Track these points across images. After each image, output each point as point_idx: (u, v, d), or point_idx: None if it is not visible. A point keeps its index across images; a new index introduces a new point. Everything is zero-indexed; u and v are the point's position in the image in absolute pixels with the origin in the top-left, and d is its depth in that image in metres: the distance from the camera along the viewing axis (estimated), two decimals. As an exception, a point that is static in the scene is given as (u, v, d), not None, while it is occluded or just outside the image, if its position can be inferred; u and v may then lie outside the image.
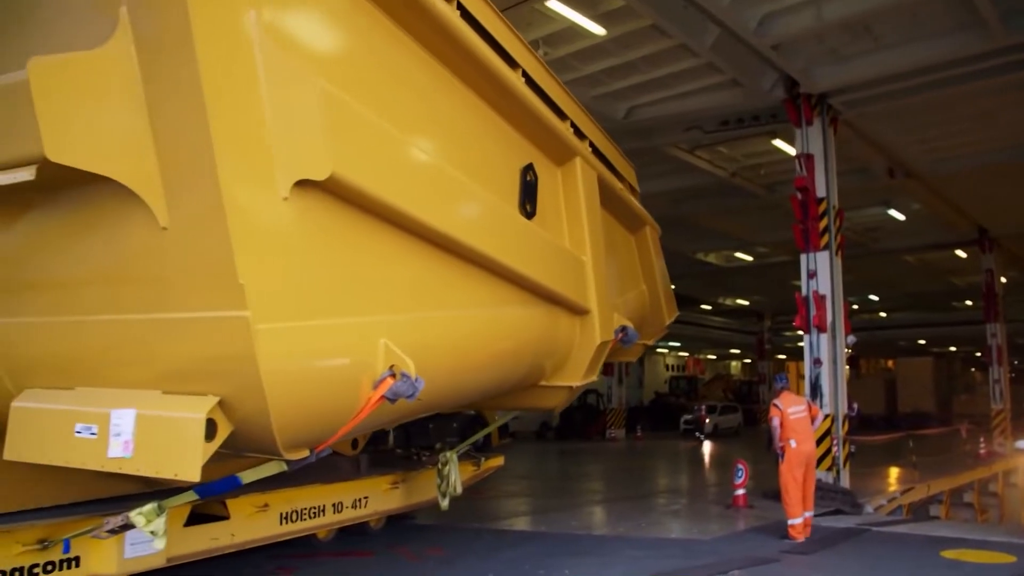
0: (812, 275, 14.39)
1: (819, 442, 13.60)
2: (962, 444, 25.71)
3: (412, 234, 5.22)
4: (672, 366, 51.97)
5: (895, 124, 17.28)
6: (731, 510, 12.70)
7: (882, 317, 48.78)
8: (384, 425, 7.76)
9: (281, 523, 7.77)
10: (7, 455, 4.74)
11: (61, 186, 4.13)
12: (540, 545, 9.92)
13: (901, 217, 24.12)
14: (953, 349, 55.48)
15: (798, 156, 14.84)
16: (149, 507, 5.07)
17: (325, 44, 4.58)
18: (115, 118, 3.93)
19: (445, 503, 9.30)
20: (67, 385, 4.75)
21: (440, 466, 9.32)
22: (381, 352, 4.85)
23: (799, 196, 14.67)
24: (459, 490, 9.39)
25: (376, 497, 9.09)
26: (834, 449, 13.90)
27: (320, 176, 4.23)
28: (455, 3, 5.60)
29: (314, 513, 8.20)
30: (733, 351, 59.14)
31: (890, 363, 56.58)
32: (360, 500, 8.86)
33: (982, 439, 24.62)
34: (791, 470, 9.83)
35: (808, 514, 10.06)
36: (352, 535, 9.55)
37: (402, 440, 11.94)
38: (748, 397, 45.54)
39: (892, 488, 16.10)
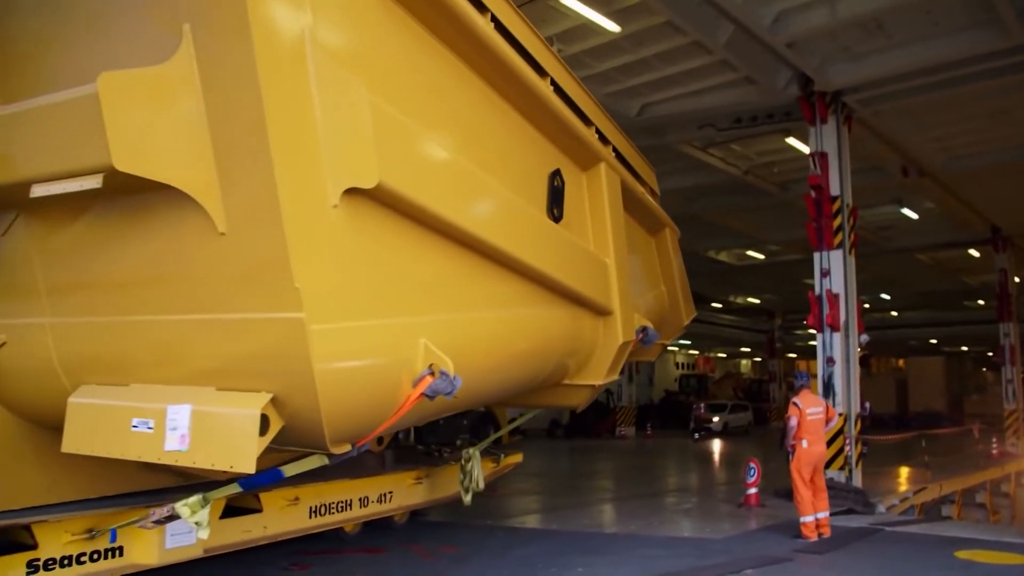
0: (825, 274, 14.37)
1: (831, 441, 13.53)
2: (974, 444, 25.63)
3: (449, 238, 5.50)
4: (682, 364, 51.91)
5: (909, 122, 17.24)
6: (743, 509, 12.74)
7: (894, 316, 48.56)
8: (418, 422, 8.11)
9: (311, 516, 8.05)
10: (65, 448, 4.97)
11: (123, 192, 4.37)
12: (552, 543, 9.98)
13: (914, 216, 24.11)
14: (965, 349, 55.20)
15: (812, 154, 14.83)
16: (194, 499, 5.32)
17: (372, 58, 4.82)
18: (177, 129, 4.20)
19: (468, 498, 9.53)
20: (122, 382, 5.00)
21: (463, 462, 9.54)
22: (421, 351, 5.12)
23: (813, 194, 14.66)
24: (481, 485, 9.60)
25: (400, 492, 9.36)
26: (847, 448, 13.83)
27: (368, 184, 4.48)
28: (489, 15, 5.84)
29: (342, 507, 8.45)
30: (743, 349, 59.04)
31: (901, 362, 56.30)
32: (385, 495, 9.13)
33: (994, 439, 24.57)
34: (800, 470, 9.80)
35: (822, 514, 9.96)
36: (377, 529, 9.80)
37: (414, 437, 12.10)
38: (758, 396, 45.34)
39: (904, 488, 16.13)
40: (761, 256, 31.21)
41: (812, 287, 14.84)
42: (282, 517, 7.63)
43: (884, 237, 26.72)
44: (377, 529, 9.83)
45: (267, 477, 5.59)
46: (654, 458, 24.58)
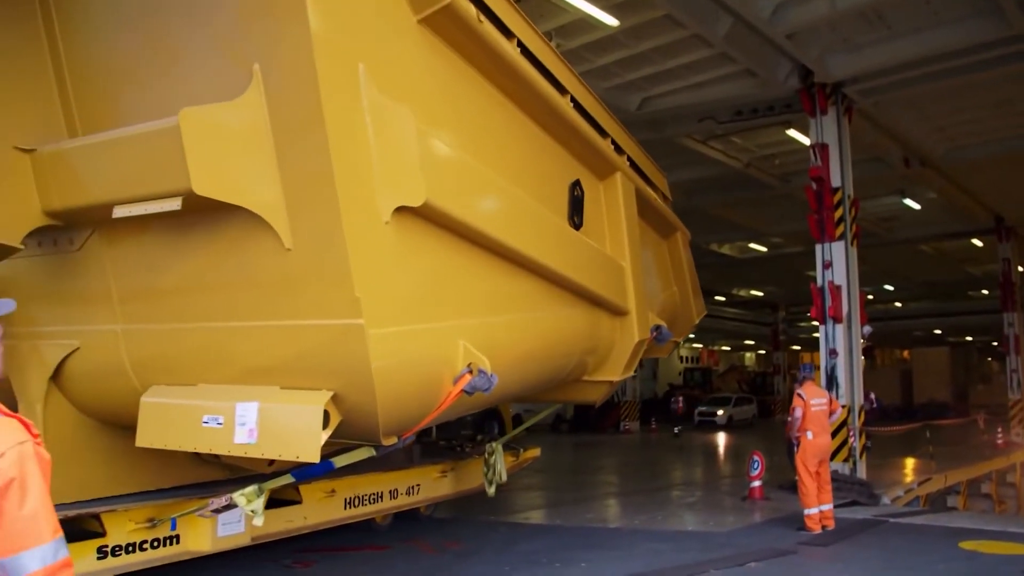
0: (827, 265, 14.53)
1: (835, 433, 13.55)
2: (979, 434, 25.66)
3: (484, 248, 6.19)
4: (686, 358, 51.89)
5: (910, 113, 17.41)
6: (747, 502, 12.90)
7: (897, 307, 48.64)
8: (455, 416, 8.67)
9: (345, 508, 8.67)
10: (139, 443, 5.53)
11: (193, 211, 4.91)
12: (556, 538, 10.20)
13: (917, 206, 24.35)
14: (969, 339, 55.31)
15: (813, 146, 14.98)
16: (250, 489, 5.94)
17: (415, 88, 5.43)
18: (248, 157, 4.78)
19: (492, 490, 10.07)
20: (189, 382, 5.60)
21: (487, 456, 10.07)
22: (460, 352, 5.75)
23: (814, 186, 14.82)
24: (504, 478, 10.12)
25: (427, 485, 9.98)
26: (851, 440, 13.88)
27: (416, 203, 5.12)
28: (515, 41, 6.49)
29: (374, 499, 9.07)
30: (747, 342, 59.11)
31: (906, 353, 56.37)
32: (413, 487, 9.75)
33: (999, 429, 24.62)
34: (805, 461, 9.83)
35: (826, 506, 9.99)
36: (406, 520, 10.41)
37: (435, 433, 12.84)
38: (763, 388, 45.30)
39: (909, 479, 16.35)
40: (764, 249, 31.43)
41: (814, 279, 14.78)
42: (320, 508, 8.27)
43: (887, 228, 26.88)
44: (407, 521, 10.45)
45: (320, 468, 6.17)
46: (658, 452, 24.67)
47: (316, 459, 5.06)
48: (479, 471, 10.28)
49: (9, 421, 2.41)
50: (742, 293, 44.92)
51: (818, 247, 14.99)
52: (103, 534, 6.21)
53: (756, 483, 13.39)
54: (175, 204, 4.75)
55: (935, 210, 25.40)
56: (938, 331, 52.57)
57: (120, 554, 6.28)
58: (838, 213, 14.80)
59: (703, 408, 36.31)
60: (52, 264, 6.02)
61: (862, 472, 14.30)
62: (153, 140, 4.78)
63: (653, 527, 11.14)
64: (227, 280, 5.31)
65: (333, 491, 8.38)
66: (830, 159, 14.92)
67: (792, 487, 10.92)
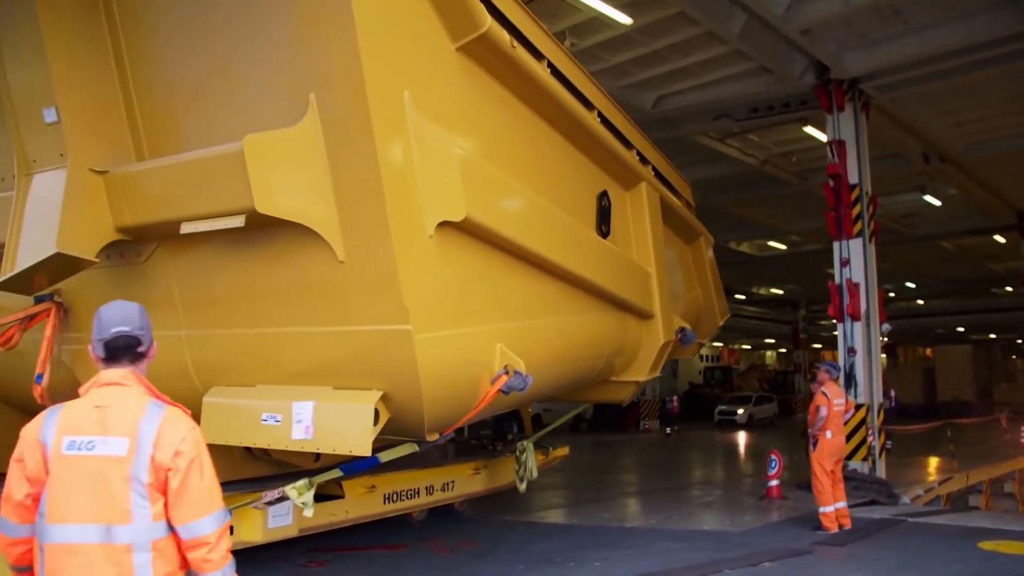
0: (845, 263, 14.60)
1: (854, 431, 13.46)
2: (1002, 433, 25.35)
3: (519, 258, 6.73)
4: (707, 357, 51.70)
5: (929, 108, 17.42)
6: (764, 501, 12.93)
7: (919, 305, 48.28)
8: (491, 415, 9.23)
9: (384, 503, 9.20)
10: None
11: (258, 227, 5.46)
12: (572, 538, 10.37)
13: (937, 203, 24.34)
14: (993, 336, 54.75)
15: (829, 143, 15.05)
16: (301, 482, 6.44)
17: (455, 111, 5.97)
18: (305, 178, 5.31)
19: (523, 486, 10.60)
20: (248, 383, 6.12)
21: (518, 454, 10.60)
22: (497, 354, 6.29)
23: (831, 183, 14.77)
24: (535, 475, 10.66)
25: (461, 481, 10.50)
26: (869, 439, 13.74)
27: (457, 218, 5.66)
28: (545, 62, 7.00)
29: (411, 495, 9.58)
30: (768, 341, 58.77)
31: (928, 351, 55.82)
32: (448, 484, 10.24)
33: (1023, 428, 24.15)
34: (822, 460, 9.82)
35: (841, 503, 9.92)
36: (440, 515, 10.91)
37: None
38: (784, 387, 45.03)
39: (930, 478, 16.36)
40: (783, 247, 31.41)
41: (833, 277, 14.62)
42: (361, 503, 8.80)
43: (907, 225, 26.79)
44: (441, 516, 10.96)
45: (366, 463, 6.66)
46: (677, 451, 24.70)
47: (368, 453, 5.64)
48: (510, 469, 10.88)
49: (176, 410, 3.02)
50: (762, 291, 44.78)
51: (836, 244, 15.13)
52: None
53: (774, 482, 13.42)
54: (239, 221, 5.31)
55: (956, 206, 25.34)
56: (961, 329, 52.42)
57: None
58: (856, 210, 14.85)
59: (723, 407, 36.31)
60: (120, 275, 6.51)
61: (881, 471, 14.28)
62: (219, 163, 5.34)
63: (669, 526, 11.29)
64: (283, 289, 5.88)
65: (373, 487, 8.91)
66: (847, 156, 14.99)
67: (810, 486, 10.82)
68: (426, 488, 9.81)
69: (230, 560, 2.98)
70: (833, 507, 10.28)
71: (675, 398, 35.75)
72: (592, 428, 32.86)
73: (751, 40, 13.88)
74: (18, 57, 5.88)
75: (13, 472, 2.92)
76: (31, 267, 5.80)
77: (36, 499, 2.89)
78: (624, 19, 13.35)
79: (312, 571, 8.28)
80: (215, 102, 5.76)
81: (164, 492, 2.87)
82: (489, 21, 5.92)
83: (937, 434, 22.82)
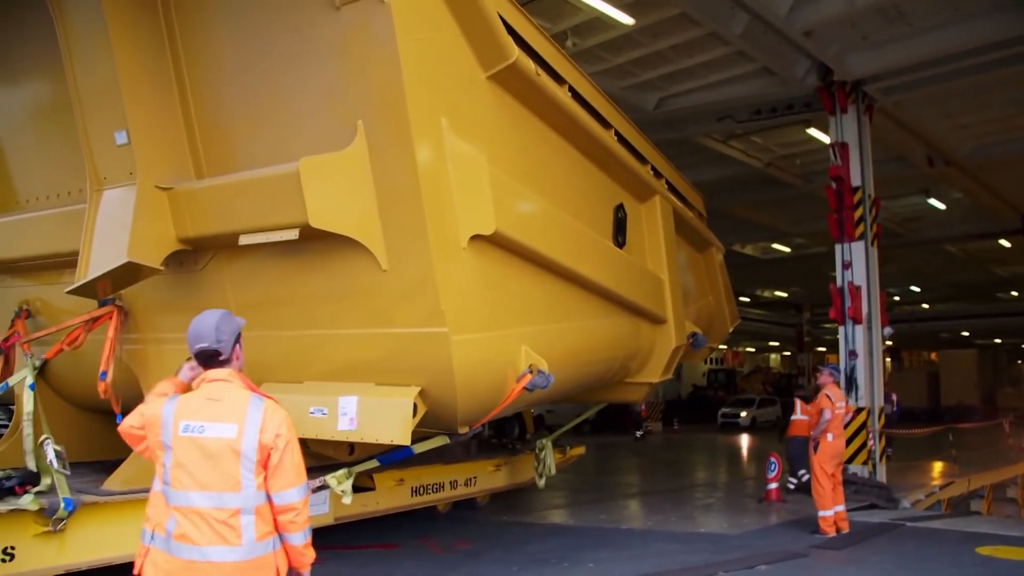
0: (847, 266, 14.77)
1: (855, 435, 13.38)
2: (1005, 438, 25.23)
3: (542, 267, 7.45)
4: (711, 359, 51.54)
5: (933, 111, 17.56)
6: (763, 504, 13.14)
7: (924, 308, 48.20)
8: (516, 411, 9.96)
9: (412, 495, 9.81)
10: None
11: (309, 239, 6.14)
12: (567, 539, 10.55)
13: (941, 206, 24.55)
14: (998, 341, 54.71)
15: (832, 145, 15.27)
16: (341, 472, 7.12)
17: (485, 134, 6.65)
18: (353, 196, 6.01)
19: (542, 482, 11.36)
20: (297, 380, 6.73)
21: (537, 451, 11.34)
22: (523, 355, 7.00)
23: (833, 185, 14.68)
24: (553, 471, 11.41)
25: (483, 477, 11.16)
26: (870, 443, 13.68)
27: (488, 232, 6.39)
28: (567, 87, 7.74)
29: (436, 488, 10.24)
30: (772, 344, 58.67)
31: (933, 355, 55.76)
32: (471, 479, 10.90)
33: (1025, 433, 24.17)
34: (823, 464, 9.82)
35: (840, 508, 9.87)
36: (464, 509, 11.61)
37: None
38: (787, 390, 44.79)
39: (931, 483, 15.99)
40: (787, 249, 31.63)
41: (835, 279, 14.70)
42: (390, 495, 9.41)
43: (911, 228, 26.92)
44: (464, 509, 11.67)
45: (401, 454, 7.35)
46: (680, 453, 24.81)
47: (408, 443, 6.35)
48: (529, 465, 11.61)
49: (272, 402, 3.79)
50: (766, 294, 44.74)
51: (838, 247, 15.39)
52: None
53: (773, 485, 13.54)
54: (293, 234, 6.01)
55: (961, 210, 25.58)
56: (965, 333, 52.75)
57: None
58: (858, 213, 15.01)
59: (726, 409, 36.46)
60: (178, 281, 7.18)
61: (882, 475, 14.26)
62: (276, 182, 6.05)
63: (666, 528, 11.50)
64: (329, 294, 6.56)
65: (402, 480, 9.53)
66: (850, 158, 15.25)
67: (809, 489, 10.77)
68: (450, 482, 10.48)
69: (309, 523, 3.81)
70: (832, 511, 10.35)
71: (643, 404, 35.36)
72: (595, 430, 32.78)
73: (754, 41, 14.00)
74: (93, 85, 6.59)
75: (134, 420, 3.79)
76: (103, 274, 6.48)
77: (144, 438, 3.75)
78: (626, 19, 13.49)
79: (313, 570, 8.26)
80: (269, 126, 6.49)
81: (265, 467, 3.65)
82: (517, 52, 6.63)
83: (939, 438, 22.72)
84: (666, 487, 16.63)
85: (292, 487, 3.67)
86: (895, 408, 22.33)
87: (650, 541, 10.33)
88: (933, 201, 24.60)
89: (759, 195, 23.76)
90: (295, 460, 3.71)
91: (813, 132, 18.82)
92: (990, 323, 47.60)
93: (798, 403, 14.72)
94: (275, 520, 3.66)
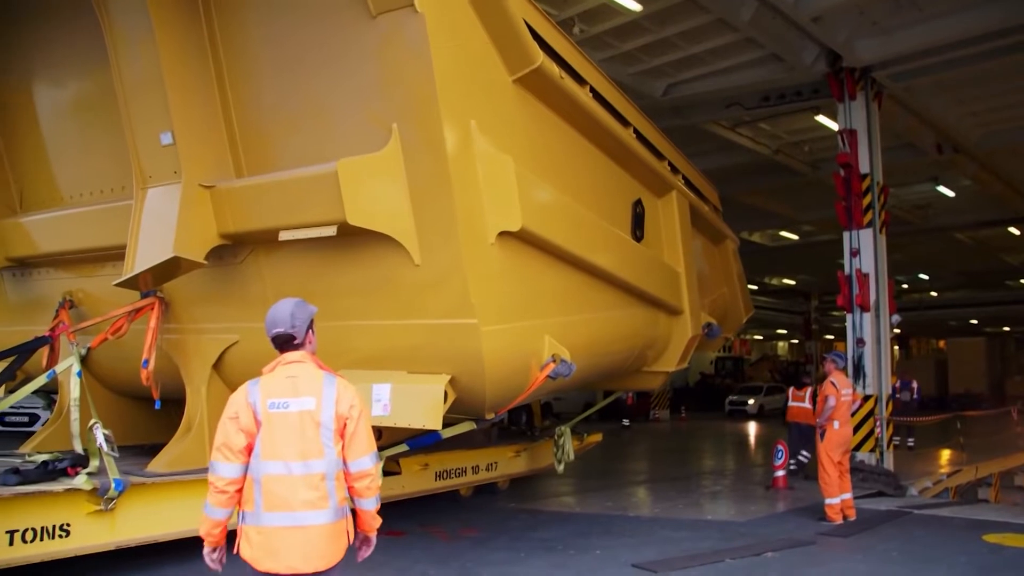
0: (855, 253, 14.88)
1: (862, 423, 13.36)
2: (1013, 426, 25.15)
3: (565, 261, 7.87)
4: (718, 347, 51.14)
5: (943, 97, 17.62)
6: (771, 492, 13.17)
7: (932, 296, 48.11)
8: (539, 398, 10.61)
9: (436, 479, 10.29)
10: None
11: (344, 235, 6.55)
12: (574, 526, 10.64)
13: (950, 194, 24.71)
14: (1007, 329, 54.71)
15: (840, 132, 15.35)
16: None
17: (512, 136, 7.07)
18: (388, 195, 6.45)
19: (561, 468, 11.83)
20: (332, 369, 7.52)
21: (556, 438, 11.77)
22: (546, 345, 7.41)
23: (842, 173, 14.68)
24: (572, 457, 11.86)
25: (504, 462, 11.72)
26: (877, 430, 13.65)
27: (514, 228, 6.81)
28: (588, 87, 8.13)
29: (459, 473, 10.76)
30: (780, 331, 58.58)
31: (941, 343, 55.58)
32: (492, 464, 11.42)
33: (1034, 421, 24.12)
34: (830, 451, 9.85)
35: (847, 495, 9.85)
36: (485, 493, 12.08)
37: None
38: (795, 378, 44.67)
39: (938, 470, 16.14)
40: (795, 237, 31.80)
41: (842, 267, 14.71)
42: (415, 479, 9.86)
43: (920, 216, 27.07)
44: (485, 493, 12.13)
45: (430, 439, 7.82)
46: (687, 441, 24.98)
47: (439, 427, 6.82)
48: (548, 451, 12.18)
49: (342, 379, 4.18)
50: (774, 282, 44.66)
51: (846, 234, 15.60)
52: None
53: (780, 472, 13.62)
54: (331, 231, 6.42)
55: (970, 197, 25.78)
56: (974, 321, 53.07)
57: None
58: (866, 200, 15.17)
59: (734, 397, 36.58)
60: (218, 274, 7.60)
61: (889, 463, 14.28)
62: (315, 181, 6.48)
63: (673, 515, 11.61)
64: (364, 287, 7.00)
65: (427, 465, 9.99)
66: (858, 145, 15.33)
67: (816, 476, 10.78)
68: (472, 467, 10.99)
69: (379, 489, 4.22)
70: (839, 499, 10.41)
71: (630, 394, 35.30)
72: (602, 417, 32.77)
73: (762, 27, 14.02)
74: (139, 89, 7.05)
75: (230, 427, 4.04)
76: (151, 268, 6.93)
77: (249, 446, 4.02)
78: (634, 6, 13.61)
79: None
80: (305, 127, 6.93)
81: (342, 436, 4.05)
82: (542, 56, 7.06)
83: (947, 426, 22.66)
84: (673, 474, 16.81)
85: (366, 454, 4.07)
86: (915, 396, 22.29)
87: (657, 528, 10.44)
88: (942, 188, 24.63)
89: (767, 182, 23.81)
90: (367, 430, 4.12)
91: (821, 119, 18.80)
92: (999, 311, 47.73)
93: (790, 391, 15.75)
94: (350, 487, 4.08)
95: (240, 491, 3.96)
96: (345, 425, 4.00)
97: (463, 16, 6.47)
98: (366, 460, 4.03)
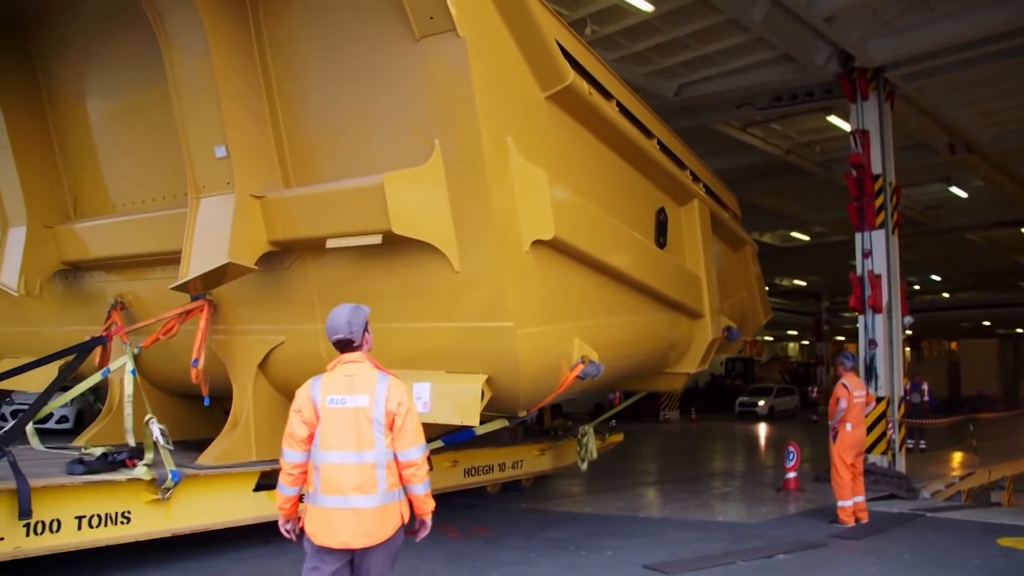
0: (867, 254, 15.05)
1: (875, 425, 13.32)
2: (1027, 429, 25.10)
3: (593, 267, 8.36)
4: (729, 348, 50.99)
5: (955, 97, 17.78)
6: (782, 493, 13.35)
7: (945, 298, 48.03)
8: (568, 397, 10.59)
9: (464, 476, 10.77)
10: None
11: (388, 243, 7.07)
12: (584, 526, 10.82)
13: (963, 194, 24.91)
14: (1020, 331, 54.41)
15: (853, 132, 15.52)
16: None
17: (544, 150, 7.54)
18: (430, 206, 6.93)
19: (584, 466, 12.31)
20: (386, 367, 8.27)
21: (580, 437, 12.25)
22: (575, 347, 7.90)
23: (854, 173, 14.78)
24: (595, 455, 12.32)
25: (528, 460, 12.25)
26: (889, 432, 13.61)
27: (547, 237, 7.31)
28: (614, 102, 8.63)
29: (486, 470, 11.26)
30: (790, 332, 58.55)
31: (953, 345, 55.38)
32: (518, 462, 11.94)
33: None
34: (842, 453, 9.88)
35: (860, 498, 9.83)
36: (510, 490, 12.54)
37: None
38: (806, 379, 44.82)
39: (951, 473, 16.12)
40: (806, 237, 31.96)
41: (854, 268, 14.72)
42: (445, 475, 10.26)
43: (932, 217, 27.15)
44: (511, 490, 12.59)
45: (464, 435, 8.45)
46: (697, 442, 25.07)
47: (477, 423, 7.35)
48: (572, 450, 12.61)
49: (395, 378, 4.66)
50: (785, 283, 44.61)
51: (858, 235, 15.78)
52: (295, 483, 9.05)
53: (791, 474, 13.80)
54: (377, 239, 6.96)
55: (982, 198, 25.97)
56: (987, 322, 53.13)
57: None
58: (878, 201, 15.30)
59: (744, 398, 36.59)
60: (265, 279, 8.12)
61: (901, 465, 14.31)
62: (361, 193, 7.00)
63: (684, 516, 11.84)
64: (405, 291, 7.50)
65: (456, 461, 10.46)
66: (871, 145, 15.57)
67: (828, 478, 10.75)
68: (499, 465, 11.52)
69: (428, 477, 4.73)
70: (851, 501, 10.48)
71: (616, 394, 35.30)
72: (613, 417, 32.71)
73: (774, 28, 14.13)
74: (195, 105, 7.58)
75: (294, 419, 4.64)
76: (206, 273, 7.44)
77: (311, 436, 4.61)
78: (645, 6, 13.74)
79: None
80: (350, 141, 7.46)
81: (391, 430, 4.57)
82: (572, 74, 7.58)
83: (960, 428, 22.59)
84: (683, 475, 17.07)
85: (413, 446, 4.59)
86: (927, 398, 22.18)
87: (667, 529, 10.60)
88: (954, 189, 24.87)
89: (778, 183, 24.10)
90: (415, 424, 4.65)
91: (833, 119, 19.06)
92: (1011, 312, 47.93)
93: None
94: (400, 474, 4.62)
95: (304, 473, 4.59)
96: (394, 420, 4.51)
97: (500, 38, 7.01)
98: (413, 451, 4.54)
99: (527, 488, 13.06)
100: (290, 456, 4.60)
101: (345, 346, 4.71)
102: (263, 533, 8.63)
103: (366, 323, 4.81)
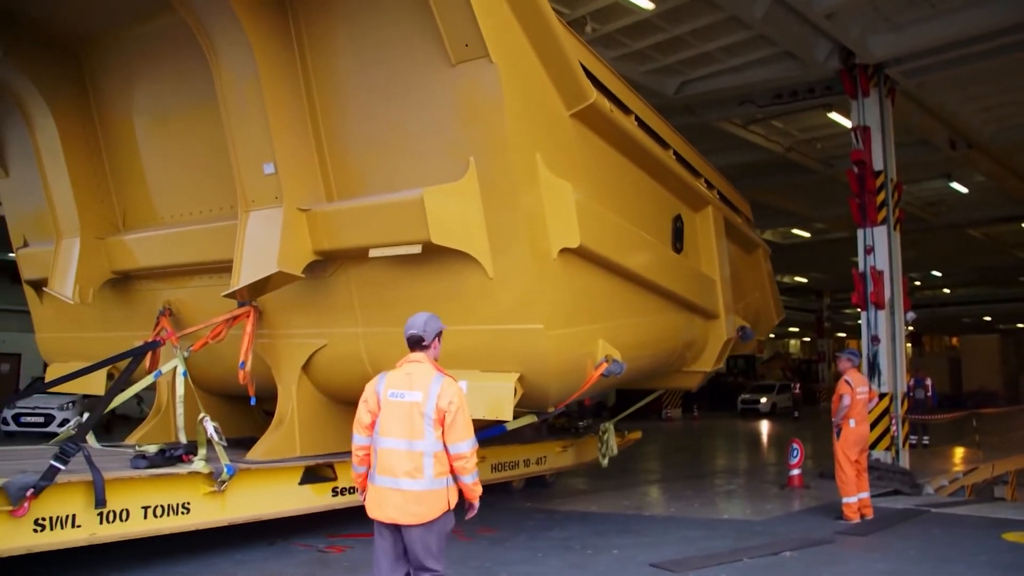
0: (869, 251, 15.23)
1: (878, 421, 13.32)
2: (1029, 423, 25.13)
3: (615, 272, 9.04)
4: (730, 345, 50.95)
5: (956, 93, 18.04)
6: (786, 490, 13.45)
7: (946, 293, 48.10)
8: (592, 395, 12.05)
9: (492, 471, 11.28)
10: None
11: (426, 252, 7.69)
12: (590, 525, 11.00)
13: (964, 190, 25.28)
14: (1021, 326, 54.54)
15: (854, 129, 15.65)
16: None
17: (569, 164, 8.19)
18: (466, 218, 7.60)
19: (605, 462, 12.98)
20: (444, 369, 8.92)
21: (600, 434, 13.00)
22: (600, 347, 8.55)
23: (855, 170, 14.99)
24: (615, 452, 13.10)
25: (551, 457, 12.83)
26: (893, 429, 13.61)
27: (574, 245, 7.99)
28: (633, 116, 9.31)
29: (512, 466, 11.83)
30: (791, 329, 58.53)
31: (955, 341, 55.43)
32: (541, 458, 12.54)
33: (1050, 418, 24.08)
34: (846, 450, 9.86)
35: (864, 494, 9.84)
36: (535, 486, 13.17)
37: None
38: (807, 376, 44.80)
39: (954, 468, 16.28)
40: (807, 234, 32.27)
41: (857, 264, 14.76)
42: None
43: (934, 213, 27.42)
44: (536, 486, 13.36)
45: (496, 431, 9.05)
46: (700, 439, 25.18)
47: (510, 418, 8.08)
48: (592, 447, 13.28)
49: (450, 379, 5.27)
50: (786, 280, 44.67)
51: (860, 232, 16.06)
52: (335, 479, 9.11)
53: (795, 471, 13.91)
54: (417, 249, 7.60)
55: (983, 194, 26.35)
56: (988, 318, 53.66)
57: (346, 494, 9.11)
58: (880, 197, 15.53)
59: (746, 396, 36.81)
60: (309, 286, 8.73)
61: (905, 461, 14.34)
62: (402, 206, 7.67)
63: (689, 514, 12.04)
64: (442, 296, 8.08)
65: (484, 457, 10.93)
66: (872, 142, 15.73)
67: (833, 475, 10.75)
68: (523, 461, 12.13)
69: (476, 468, 5.37)
70: (856, 498, 10.59)
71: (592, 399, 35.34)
72: (615, 416, 32.70)
73: (775, 24, 14.28)
74: (245, 125, 8.20)
75: (361, 408, 5.38)
76: (257, 281, 8.07)
77: (373, 423, 5.32)
78: (646, 4, 13.97)
79: (332, 557, 8.45)
80: (388, 158, 8.11)
81: (442, 424, 5.20)
82: (595, 93, 8.30)
83: (962, 424, 22.59)
84: (687, 473, 17.46)
85: (462, 440, 5.21)
86: (930, 394, 22.15)
87: (673, 527, 10.76)
88: (956, 185, 25.36)
89: (780, 180, 24.51)
90: (465, 421, 5.28)
91: (834, 116, 19.62)
92: (1013, 308, 48.77)
93: None
94: (451, 465, 5.27)
95: (369, 455, 5.32)
96: (444, 416, 5.11)
97: (529, 62, 7.75)
98: (461, 445, 5.13)
99: (551, 484, 13.72)
100: (357, 439, 5.36)
101: (416, 343, 5.45)
102: (268, 535, 9.15)
103: (439, 332, 5.58)
